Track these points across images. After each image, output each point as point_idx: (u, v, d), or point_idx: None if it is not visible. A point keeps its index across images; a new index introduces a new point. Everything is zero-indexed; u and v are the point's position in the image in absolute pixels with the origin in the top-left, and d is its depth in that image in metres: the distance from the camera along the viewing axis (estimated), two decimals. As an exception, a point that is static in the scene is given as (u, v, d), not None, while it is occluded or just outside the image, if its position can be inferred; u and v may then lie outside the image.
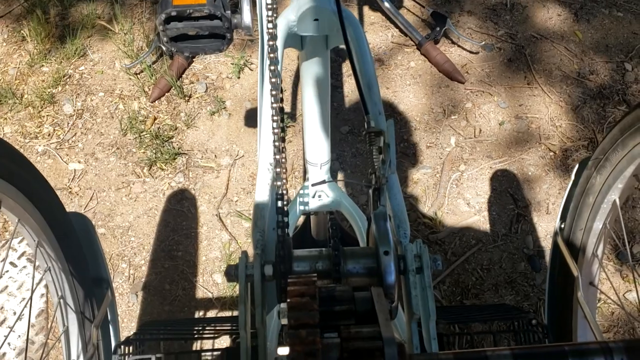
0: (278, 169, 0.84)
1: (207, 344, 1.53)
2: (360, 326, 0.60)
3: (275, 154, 0.84)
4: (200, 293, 1.82)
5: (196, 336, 1.37)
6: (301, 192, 1.41)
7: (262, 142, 0.93)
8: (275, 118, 0.83)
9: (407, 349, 0.80)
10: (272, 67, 0.82)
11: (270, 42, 0.83)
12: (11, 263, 1.87)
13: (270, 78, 0.82)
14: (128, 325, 1.75)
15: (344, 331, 0.59)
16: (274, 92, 0.82)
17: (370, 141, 0.84)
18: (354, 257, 0.82)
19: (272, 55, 0.82)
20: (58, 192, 2.02)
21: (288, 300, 0.60)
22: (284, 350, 0.57)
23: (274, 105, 0.82)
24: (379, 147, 0.84)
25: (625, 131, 0.93)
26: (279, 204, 0.84)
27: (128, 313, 1.78)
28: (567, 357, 0.64)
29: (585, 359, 0.64)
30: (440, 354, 0.65)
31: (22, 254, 1.89)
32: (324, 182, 1.29)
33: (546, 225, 1.92)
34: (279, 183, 0.85)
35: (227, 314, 1.75)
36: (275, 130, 0.83)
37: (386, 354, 0.56)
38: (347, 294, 0.67)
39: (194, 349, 1.59)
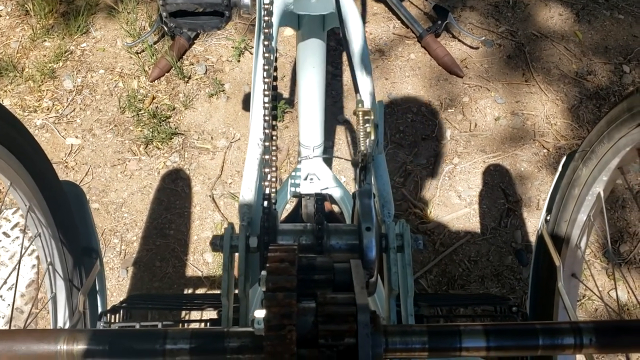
0: (267, 143, 0.86)
1: (192, 317, 1.55)
2: (336, 293, 0.62)
3: (265, 129, 0.86)
4: (190, 271, 1.83)
5: (182, 307, 1.39)
6: (293, 174, 1.42)
7: (253, 117, 0.94)
8: (266, 92, 0.84)
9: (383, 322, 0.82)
10: (266, 42, 0.83)
11: (266, 18, 0.84)
12: (4, 233, 1.89)
13: (264, 53, 0.83)
14: (117, 299, 1.76)
15: (320, 296, 0.60)
16: (266, 67, 0.83)
17: (359, 120, 0.85)
18: (338, 233, 0.84)
19: (266, 30, 0.83)
20: (54, 166, 2.04)
21: (267, 265, 0.62)
22: (260, 313, 0.58)
23: (266, 80, 0.84)
24: (367, 127, 0.86)
25: (611, 123, 0.94)
26: (267, 177, 0.86)
27: (118, 287, 1.80)
28: (538, 335, 0.65)
29: (556, 337, 0.66)
30: (414, 326, 0.67)
31: (16, 225, 1.91)
32: (308, 157, 1.31)
33: (536, 221, 1.94)
34: (267, 157, 0.86)
35: (216, 292, 1.77)
36: (267, 105, 0.84)
37: (359, 319, 0.57)
38: (327, 264, 0.68)
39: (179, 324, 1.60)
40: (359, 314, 0.58)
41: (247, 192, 0.89)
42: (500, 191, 2.02)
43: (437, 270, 1.83)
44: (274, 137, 0.91)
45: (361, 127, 0.85)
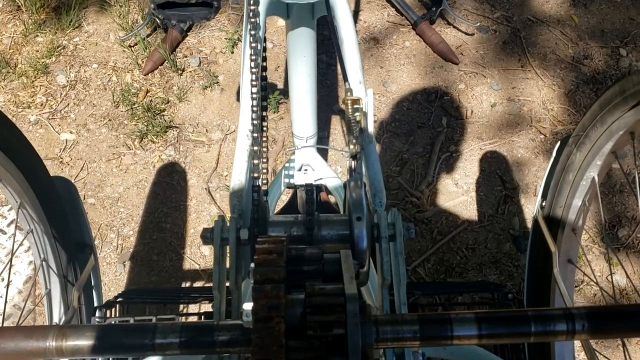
0: (256, 134, 0.85)
1: (189, 310, 1.55)
2: (325, 284, 0.61)
3: (254, 119, 0.85)
4: (187, 265, 1.83)
5: (177, 301, 1.38)
6: (287, 165, 1.41)
7: (242, 107, 0.93)
8: (254, 83, 0.83)
9: (376, 312, 0.81)
10: (253, 32, 0.82)
11: (253, 7, 0.83)
12: (0, 230, 1.88)
13: (251, 43, 0.83)
14: (114, 294, 1.76)
15: (308, 287, 0.60)
16: (253, 57, 0.82)
17: (347, 109, 0.84)
18: (329, 223, 0.83)
19: (253, 19, 0.82)
20: (49, 162, 2.03)
21: (255, 257, 0.61)
22: (249, 305, 0.58)
23: (254, 70, 0.83)
24: (356, 116, 0.85)
25: (604, 107, 0.93)
26: (257, 169, 0.85)
27: (115, 282, 1.80)
28: (530, 322, 0.65)
29: (548, 324, 0.65)
30: (405, 315, 0.66)
31: (12, 222, 1.90)
32: (297, 147, 1.30)
33: (533, 207, 1.93)
34: (256, 148, 0.85)
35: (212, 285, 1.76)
36: (255, 95, 0.84)
37: (348, 310, 0.57)
38: (316, 255, 0.67)
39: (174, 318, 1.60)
40: (347, 304, 0.57)
41: (237, 184, 0.89)
42: (497, 178, 2.01)
43: (435, 259, 1.82)
44: (264, 128, 0.90)
45: (350, 116, 0.84)
